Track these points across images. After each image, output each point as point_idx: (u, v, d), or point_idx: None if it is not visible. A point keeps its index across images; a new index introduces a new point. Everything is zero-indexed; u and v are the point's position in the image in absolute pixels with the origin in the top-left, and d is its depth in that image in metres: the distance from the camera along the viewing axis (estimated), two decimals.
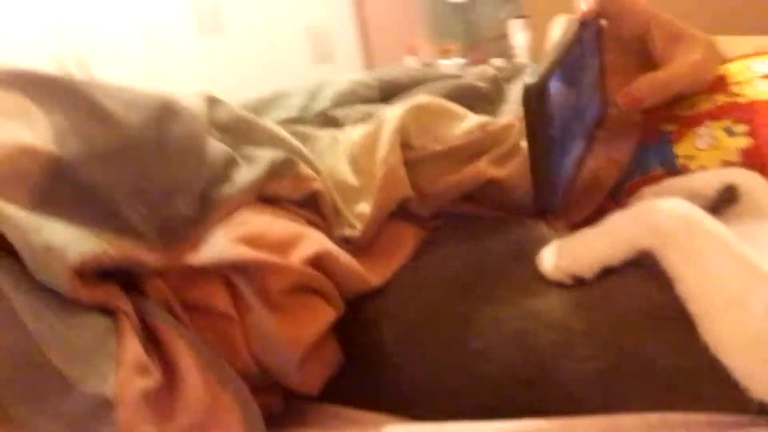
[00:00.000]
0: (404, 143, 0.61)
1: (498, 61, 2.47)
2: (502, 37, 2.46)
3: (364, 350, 0.56)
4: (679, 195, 0.60)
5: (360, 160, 0.65)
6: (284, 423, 0.54)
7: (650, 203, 0.50)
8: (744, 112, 0.67)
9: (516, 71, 0.94)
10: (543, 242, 0.57)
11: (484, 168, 0.60)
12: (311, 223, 0.59)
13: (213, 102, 0.61)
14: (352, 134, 0.69)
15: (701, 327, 0.45)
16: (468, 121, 0.63)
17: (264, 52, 3.34)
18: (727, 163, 0.63)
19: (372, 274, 0.57)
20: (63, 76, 0.49)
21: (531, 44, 2.12)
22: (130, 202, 0.48)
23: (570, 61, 0.56)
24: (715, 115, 0.68)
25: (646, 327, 0.47)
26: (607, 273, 0.51)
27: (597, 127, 0.68)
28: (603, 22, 0.67)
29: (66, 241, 0.43)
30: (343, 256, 0.54)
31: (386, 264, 0.58)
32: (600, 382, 0.46)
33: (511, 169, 0.61)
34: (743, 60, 0.81)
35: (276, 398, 0.54)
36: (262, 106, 0.79)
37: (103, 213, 0.47)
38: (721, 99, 0.70)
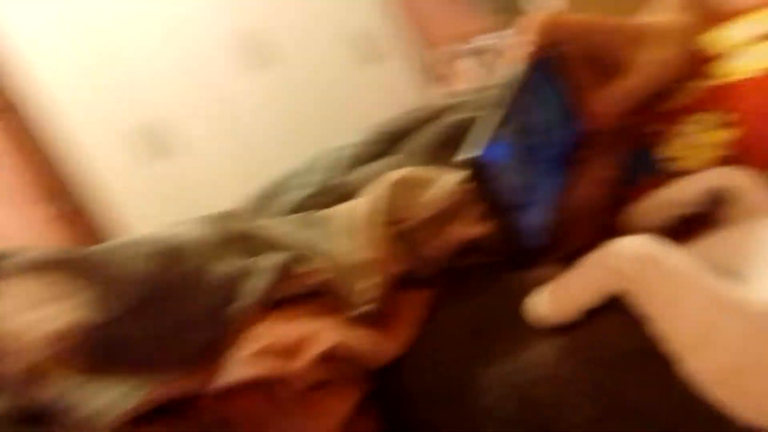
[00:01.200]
0: (392, 216, 0.66)
1: None
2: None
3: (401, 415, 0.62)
4: (667, 210, 0.62)
5: (359, 235, 0.71)
6: None
7: (611, 246, 0.52)
8: (726, 99, 0.65)
9: None
10: (539, 285, 0.60)
11: (459, 229, 0.64)
12: (323, 309, 0.66)
13: (215, 219, 0.69)
14: (352, 206, 0.75)
15: (678, 365, 0.47)
16: (445, 182, 0.67)
17: (313, 68, 3.41)
18: (715, 161, 0.62)
19: (392, 341, 0.62)
20: (76, 254, 0.59)
21: None
22: (158, 343, 0.56)
23: (519, 108, 0.58)
24: (697, 107, 0.67)
25: (629, 368, 0.49)
26: (590, 314, 0.53)
27: (580, 149, 0.69)
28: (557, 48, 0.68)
29: (114, 395, 0.52)
30: (358, 338, 0.60)
31: (401, 329, 0.63)
32: (589, 428, 0.49)
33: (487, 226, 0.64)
34: (718, 27, 0.77)
35: None
36: (273, 193, 0.86)
37: (143, 359, 0.55)
38: (699, 85, 0.69)
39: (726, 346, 0.45)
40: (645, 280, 0.49)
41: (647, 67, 0.66)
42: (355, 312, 0.65)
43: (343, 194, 0.83)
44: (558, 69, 0.67)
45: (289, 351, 0.58)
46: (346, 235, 0.71)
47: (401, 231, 0.66)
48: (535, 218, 0.58)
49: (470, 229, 0.64)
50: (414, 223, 0.66)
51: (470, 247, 0.66)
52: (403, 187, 0.68)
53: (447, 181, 0.68)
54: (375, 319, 0.64)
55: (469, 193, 0.65)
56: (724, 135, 0.63)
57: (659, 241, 0.50)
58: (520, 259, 0.55)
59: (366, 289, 0.66)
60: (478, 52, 2.47)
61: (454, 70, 2.54)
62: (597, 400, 0.50)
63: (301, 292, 0.66)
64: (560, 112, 0.67)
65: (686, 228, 0.61)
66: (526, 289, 0.60)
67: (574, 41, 0.68)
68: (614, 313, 0.52)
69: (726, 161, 0.62)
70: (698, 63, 0.72)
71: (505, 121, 0.55)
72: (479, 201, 0.53)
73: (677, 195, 0.61)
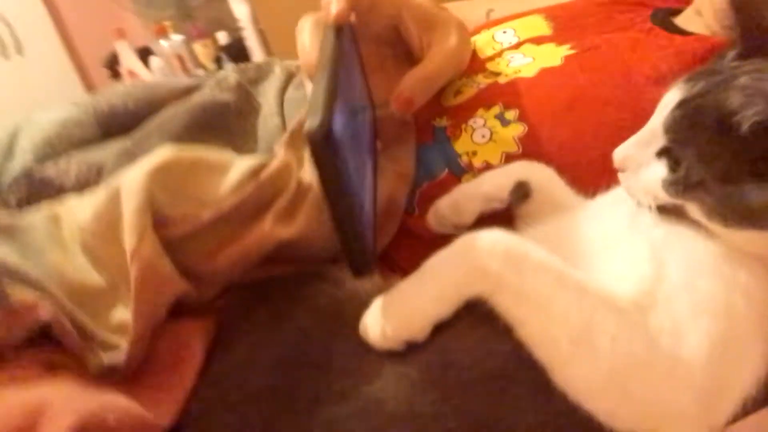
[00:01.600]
0: (157, 219, 0.47)
1: (223, 35, 2.28)
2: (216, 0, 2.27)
3: None
4: (475, 202, 0.56)
5: (98, 247, 0.49)
6: None
7: (468, 241, 0.44)
8: (509, 95, 0.64)
9: (260, 71, 0.82)
10: (357, 300, 0.48)
11: (270, 230, 0.49)
12: (53, 365, 0.43)
13: None
14: (78, 211, 0.52)
15: (553, 373, 0.41)
16: (234, 171, 0.51)
17: None
18: (509, 156, 0.60)
19: (157, 410, 0.43)
20: None
21: (253, 14, 1.98)
22: None
23: (341, 80, 0.46)
24: (483, 102, 0.65)
25: (497, 389, 0.42)
26: (439, 329, 0.44)
27: (375, 138, 0.60)
28: (353, 18, 0.58)
29: None
30: (113, 410, 0.40)
31: (174, 388, 0.45)
32: None
33: (301, 222, 0.50)
34: (485, 31, 0.79)
35: None
36: None
37: None
38: (481, 80, 0.68)
39: (604, 347, 0.40)
40: (512, 281, 0.42)
41: (443, 54, 0.61)
42: (100, 365, 0.44)
43: (35, 192, 0.59)
44: (356, 41, 0.57)
45: None
46: (80, 249, 0.49)
47: (171, 239, 0.47)
48: (368, 213, 0.46)
49: (279, 229, 0.49)
50: (190, 226, 0.48)
51: (269, 257, 0.50)
52: (168, 175, 0.49)
53: (236, 169, 0.51)
54: (134, 374, 0.45)
55: (267, 186, 0.50)
56: (514, 131, 0.61)
57: (514, 236, 0.44)
58: (358, 263, 0.43)
59: (115, 328, 0.46)
60: (147, 52, 2.25)
61: (122, 67, 2.25)
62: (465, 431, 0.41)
63: (10, 342, 0.42)
64: (362, 92, 0.58)
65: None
66: (342, 305, 0.48)
67: (370, 12, 0.60)
68: (466, 323, 0.44)
69: (517, 156, 0.60)
70: (475, 58, 0.71)
71: (334, 91, 0.42)
72: (320, 190, 0.39)
73: (486, 188, 0.56)
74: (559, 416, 0.41)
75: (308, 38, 0.58)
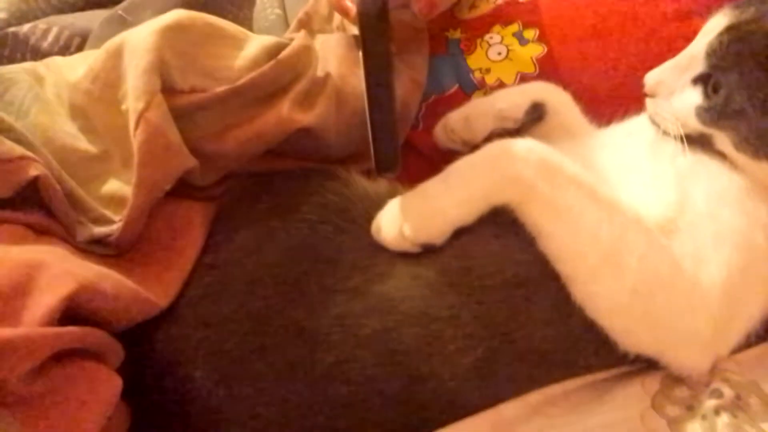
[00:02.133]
0: (165, 85, 0.42)
1: None
2: None
3: (167, 402, 0.41)
4: (488, 119, 0.54)
5: (92, 111, 0.44)
6: None
7: (501, 147, 0.43)
8: (529, 14, 0.62)
9: None
10: (367, 199, 0.46)
11: (288, 114, 0.45)
12: (42, 230, 0.39)
13: None
14: (66, 69, 0.47)
15: (574, 288, 0.40)
16: (251, 46, 0.46)
17: None
18: (524, 76, 0.58)
19: (155, 290, 0.40)
20: None
21: None
22: None
23: None
24: (501, 18, 0.62)
25: (517, 298, 0.41)
26: (459, 235, 0.43)
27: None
28: None
29: None
30: (109, 281, 0.37)
31: (171, 268, 0.42)
32: (478, 375, 0.40)
33: (320, 110, 0.47)
34: None
35: None
36: None
37: None
38: None
39: (631, 265, 0.40)
40: (544, 192, 0.41)
41: None
42: (88, 234, 0.41)
43: (32, 49, 0.53)
44: None
45: (7, 300, 0.32)
46: (68, 111, 0.44)
47: (178, 109, 0.43)
48: (397, 105, 0.44)
49: (297, 114, 0.45)
50: (200, 98, 0.44)
51: (277, 147, 0.47)
52: (182, 38, 0.44)
53: (253, 43, 0.46)
54: (128, 253, 0.42)
55: (287, 66, 0.46)
56: (532, 51, 0.59)
57: (548, 147, 0.43)
58: (388, 156, 0.41)
59: (107, 200, 0.42)
60: None
61: None
62: (482, 338, 0.40)
63: (3, 195, 0.38)
64: None
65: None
66: (353, 203, 0.46)
67: None
68: (487, 232, 0.43)
69: (533, 77, 0.58)
70: None
71: None
72: (363, 72, 0.36)
73: (501, 105, 0.54)
74: (574, 332, 0.41)
75: None
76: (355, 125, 0.47)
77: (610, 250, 0.40)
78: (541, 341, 0.41)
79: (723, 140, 0.43)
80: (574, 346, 0.41)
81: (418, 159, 0.59)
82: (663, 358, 0.41)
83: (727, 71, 0.42)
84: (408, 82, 0.56)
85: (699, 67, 0.44)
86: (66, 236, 0.40)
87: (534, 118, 0.55)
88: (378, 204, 0.46)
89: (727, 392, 0.41)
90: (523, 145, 0.42)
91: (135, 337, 0.40)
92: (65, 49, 0.55)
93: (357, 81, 0.38)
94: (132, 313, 0.38)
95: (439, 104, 0.59)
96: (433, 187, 0.44)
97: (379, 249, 0.43)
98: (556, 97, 0.55)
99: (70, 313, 0.34)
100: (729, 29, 0.42)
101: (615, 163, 0.48)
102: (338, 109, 0.48)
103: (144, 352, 0.41)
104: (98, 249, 0.41)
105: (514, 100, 0.55)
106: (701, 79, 0.44)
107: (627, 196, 0.44)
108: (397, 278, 0.42)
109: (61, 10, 0.59)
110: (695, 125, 0.44)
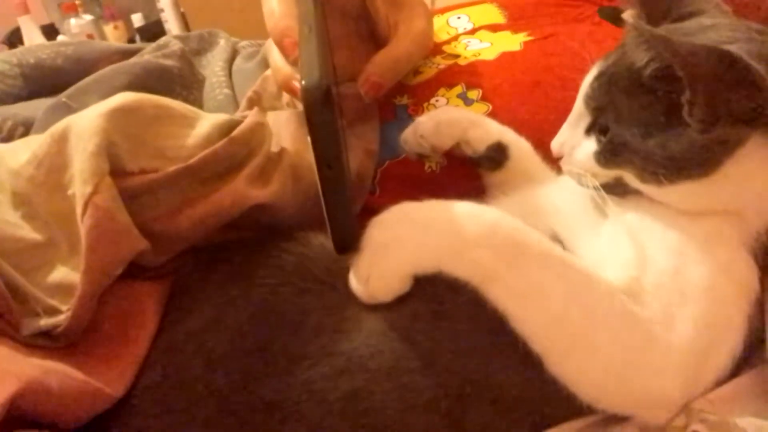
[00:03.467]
0: (114, 168, 0.42)
1: (137, 17, 2.16)
2: None
3: None
4: (456, 130, 0.56)
5: (36, 197, 0.43)
6: None
7: (462, 212, 0.42)
8: (470, 75, 0.64)
9: (203, 42, 0.77)
10: (327, 257, 0.45)
11: (243, 191, 0.44)
12: None
13: None
14: (8, 156, 0.46)
15: (547, 363, 0.40)
16: (203, 124, 0.46)
17: None
18: None
19: (109, 378, 0.38)
20: None
21: None
22: None
23: (324, 37, 0.44)
24: (444, 81, 0.64)
25: (491, 344, 0.40)
26: (430, 279, 0.42)
27: (341, 113, 0.58)
28: None
29: None
30: (56, 376, 0.35)
31: (125, 354, 0.40)
32: (450, 424, 0.39)
33: (276, 185, 0.47)
34: (438, 16, 0.79)
35: None
36: None
37: None
38: (440, 61, 0.67)
39: (603, 341, 0.40)
40: (506, 275, 0.40)
41: (412, 37, 0.60)
42: (34, 327, 0.39)
43: None
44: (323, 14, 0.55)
45: None
46: (9, 199, 0.43)
47: (128, 191, 0.42)
48: (350, 183, 0.44)
49: (253, 190, 0.45)
50: (151, 179, 0.43)
51: (235, 222, 0.46)
52: (129, 120, 0.43)
53: (204, 122, 0.46)
54: (79, 342, 0.40)
55: (241, 142, 0.46)
56: (478, 110, 0.61)
57: (507, 216, 0.43)
58: (345, 236, 0.40)
59: (54, 290, 0.41)
60: (53, 30, 2.09)
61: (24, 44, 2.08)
62: (453, 386, 0.39)
63: None
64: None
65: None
66: (319, 264, 0.45)
67: None
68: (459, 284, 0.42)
69: None
70: (435, 44, 0.70)
71: (326, 50, 0.40)
72: (312, 155, 0.37)
73: (471, 133, 0.55)
74: (548, 380, 0.40)
75: (277, 3, 0.55)
76: (313, 198, 0.47)
77: (581, 329, 0.40)
78: (513, 388, 0.40)
79: (630, 178, 0.45)
80: (547, 394, 0.40)
81: None
82: (635, 416, 0.41)
83: (605, 111, 0.44)
84: (361, 153, 0.56)
85: (586, 118, 0.47)
86: (10, 331, 0.38)
87: (494, 158, 0.56)
88: (338, 258, 0.45)
89: None
90: (488, 218, 0.42)
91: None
92: (8, 139, 0.54)
93: (311, 156, 0.38)
94: (84, 406, 0.36)
95: (393, 168, 0.60)
96: (381, 238, 0.42)
97: (344, 304, 0.42)
98: (520, 144, 0.57)
99: (17, 413, 0.32)
100: (597, 76, 0.46)
101: (577, 211, 0.48)
102: (295, 184, 0.48)
103: None
104: (46, 342, 0.39)
105: (482, 130, 0.56)
106: (591, 128, 0.46)
107: (591, 252, 0.44)
108: (366, 333, 0.41)
109: (3, 102, 0.59)
110: (602, 171, 0.45)
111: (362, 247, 0.42)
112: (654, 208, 0.44)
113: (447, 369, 0.39)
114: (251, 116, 0.48)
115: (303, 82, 0.35)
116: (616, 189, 0.46)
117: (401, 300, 0.41)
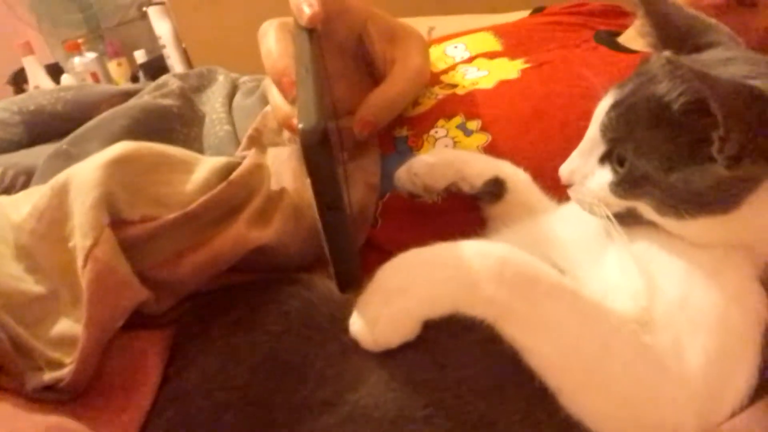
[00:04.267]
0: (114, 220, 0.42)
1: (140, 53, 2.19)
2: (129, 22, 2.17)
3: None
4: (450, 171, 0.55)
5: (38, 250, 0.43)
6: None
7: (471, 252, 0.42)
8: (469, 105, 0.64)
9: (203, 79, 0.78)
10: (332, 302, 0.45)
11: (244, 233, 0.44)
12: None
13: None
14: (11, 209, 0.46)
15: (561, 398, 0.39)
16: (201, 169, 0.46)
17: None
18: None
19: (113, 431, 0.37)
20: None
21: (175, 32, 1.91)
22: None
23: (321, 77, 0.44)
24: (443, 112, 0.64)
25: (494, 390, 0.40)
26: (432, 329, 0.41)
27: (341, 149, 0.58)
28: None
29: None
30: None
31: (129, 407, 0.39)
32: None
33: (277, 225, 0.47)
34: (435, 46, 0.80)
35: None
36: None
37: None
38: (438, 92, 0.67)
39: (617, 374, 0.39)
40: (523, 307, 0.40)
41: (409, 74, 0.60)
42: (38, 382, 0.39)
43: None
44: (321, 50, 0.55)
45: None
46: (12, 252, 0.43)
47: (128, 241, 0.42)
48: (352, 220, 0.44)
49: (255, 232, 0.45)
50: (151, 227, 0.43)
51: (237, 265, 0.46)
52: (128, 170, 0.44)
53: (202, 167, 0.46)
54: (82, 396, 0.40)
55: (240, 185, 0.46)
56: (478, 141, 0.61)
57: (518, 252, 0.42)
58: (348, 275, 0.40)
59: (56, 343, 0.40)
60: (57, 69, 2.12)
61: (29, 84, 2.11)
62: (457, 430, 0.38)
63: None
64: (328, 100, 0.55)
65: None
66: (324, 310, 0.45)
67: (338, 19, 0.58)
68: (459, 324, 0.41)
69: None
70: (431, 73, 0.70)
71: (322, 92, 0.40)
72: (312, 196, 0.37)
73: (468, 169, 0.55)
74: (555, 424, 0.39)
75: (274, 42, 0.55)
76: (315, 237, 0.47)
77: (594, 362, 0.39)
78: None
79: (646, 210, 0.44)
80: None
81: (381, 257, 0.58)
82: None
83: (624, 142, 0.43)
84: (363, 186, 0.56)
85: (600, 147, 0.46)
86: (14, 385, 0.38)
87: (492, 192, 0.56)
88: (343, 304, 0.44)
89: None
90: (498, 255, 0.41)
91: None
92: (10, 189, 0.54)
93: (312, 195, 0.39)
94: None
95: (395, 200, 0.59)
96: (395, 281, 0.42)
97: (347, 353, 0.41)
98: (517, 177, 0.56)
99: None
100: (614, 106, 0.45)
101: (580, 241, 0.48)
102: (296, 223, 0.48)
103: None
104: (50, 395, 0.39)
105: (478, 167, 0.56)
106: (606, 157, 0.45)
107: (597, 282, 0.44)
108: (370, 384, 0.40)
109: (4, 150, 0.59)
110: (616, 201, 0.45)
111: (371, 291, 0.42)
112: (663, 237, 0.44)
113: (452, 417, 0.38)
114: (249, 158, 0.48)
115: (300, 126, 0.35)
116: (627, 219, 0.45)
117: (401, 350, 0.41)
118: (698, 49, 0.46)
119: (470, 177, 0.55)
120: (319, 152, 0.35)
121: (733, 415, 0.41)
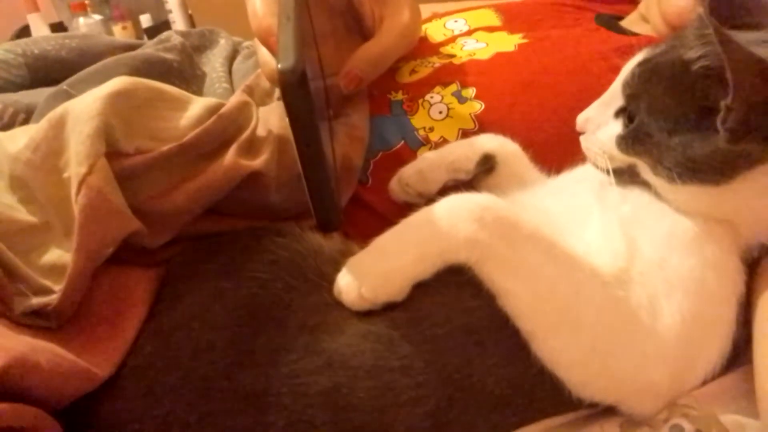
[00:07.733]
0: (110, 149, 0.43)
1: (146, 18, 2.18)
2: None
3: None
4: (441, 171, 0.55)
5: (33, 181, 0.44)
6: None
7: (455, 204, 0.43)
8: (465, 74, 0.65)
9: (204, 39, 0.78)
10: (319, 255, 0.46)
11: (235, 161, 0.46)
12: None
13: None
14: (7, 142, 0.47)
15: (534, 343, 0.40)
16: (194, 107, 0.48)
17: None
18: (466, 132, 0.61)
19: (96, 360, 0.39)
20: None
21: None
22: None
23: (305, 31, 0.45)
24: (440, 79, 0.65)
25: (469, 344, 0.41)
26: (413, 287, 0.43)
27: (327, 107, 0.59)
28: None
29: None
30: (44, 354, 0.35)
31: (114, 337, 0.41)
32: (433, 424, 0.39)
33: (266, 155, 0.48)
34: (436, 20, 0.80)
35: None
36: None
37: None
38: (436, 61, 0.68)
39: (589, 320, 0.40)
40: (501, 251, 0.41)
41: (396, 31, 0.61)
42: (26, 306, 0.40)
43: None
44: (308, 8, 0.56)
45: None
46: (7, 184, 0.44)
47: (123, 172, 0.43)
48: (330, 168, 0.45)
49: (245, 161, 0.46)
50: (145, 159, 0.44)
51: (218, 207, 0.47)
52: (126, 103, 0.44)
53: (195, 104, 0.47)
54: (69, 323, 0.41)
55: (229, 119, 0.47)
56: (471, 108, 0.62)
57: (502, 201, 0.44)
58: (327, 214, 0.41)
59: (47, 270, 0.42)
60: (62, 28, 2.11)
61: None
62: (436, 386, 0.40)
63: None
64: (314, 56, 0.56)
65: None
66: (304, 260, 0.46)
67: None
68: (436, 281, 0.43)
69: (473, 133, 0.60)
70: (428, 43, 0.71)
71: (302, 36, 0.41)
72: (291, 134, 0.38)
73: (453, 158, 0.55)
74: (529, 376, 0.41)
75: (259, 3, 0.56)
76: (297, 175, 0.48)
77: (567, 306, 0.40)
78: (495, 386, 0.40)
79: (643, 168, 0.45)
80: (529, 391, 0.41)
81: (371, 216, 0.59)
82: (620, 406, 0.41)
83: (639, 99, 0.44)
84: (346, 138, 0.57)
85: (619, 101, 0.47)
86: (2, 309, 0.39)
87: (486, 169, 0.57)
88: (332, 259, 0.46)
89: (688, 427, 0.41)
90: (478, 202, 0.43)
91: (77, 414, 0.38)
92: (9, 126, 0.55)
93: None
94: (71, 386, 0.37)
95: (386, 160, 0.60)
96: (387, 244, 0.44)
97: (329, 306, 0.43)
98: (506, 148, 0.57)
99: (3, 388, 0.33)
100: (642, 63, 0.45)
101: (566, 210, 0.49)
102: (279, 158, 0.49)
103: (86, 428, 0.39)
104: (37, 321, 0.40)
105: (464, 152, 0.56)
106: (622, 112, 0.46)
107: (580, 245, 0.45)
108: (348, 335, 0.41)
109: (6, 90, 0.60)
110: (618, 155, 0.46)
111: (366, 251, 0.44)
112: (654, 201, 0.45)
113: (427, 370, 0.40)
114: (236, 96, 0.49)
115: (279, 66, 0.36)
116: (624, 177, 0.46)
117: (379, 311, 0.42)
118: (744, 27, 0.46)
119: (462, 165, 0.55)
120: (297, 92, 0.36)
121: (705, 383, 0.43)
